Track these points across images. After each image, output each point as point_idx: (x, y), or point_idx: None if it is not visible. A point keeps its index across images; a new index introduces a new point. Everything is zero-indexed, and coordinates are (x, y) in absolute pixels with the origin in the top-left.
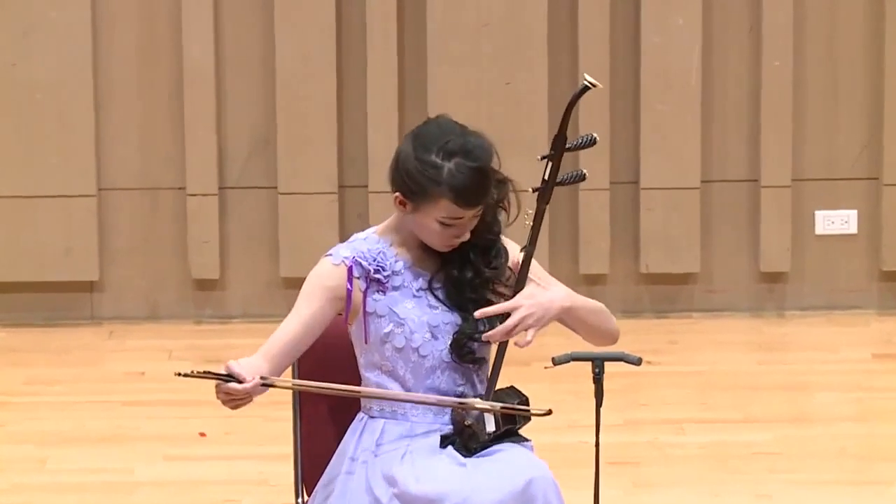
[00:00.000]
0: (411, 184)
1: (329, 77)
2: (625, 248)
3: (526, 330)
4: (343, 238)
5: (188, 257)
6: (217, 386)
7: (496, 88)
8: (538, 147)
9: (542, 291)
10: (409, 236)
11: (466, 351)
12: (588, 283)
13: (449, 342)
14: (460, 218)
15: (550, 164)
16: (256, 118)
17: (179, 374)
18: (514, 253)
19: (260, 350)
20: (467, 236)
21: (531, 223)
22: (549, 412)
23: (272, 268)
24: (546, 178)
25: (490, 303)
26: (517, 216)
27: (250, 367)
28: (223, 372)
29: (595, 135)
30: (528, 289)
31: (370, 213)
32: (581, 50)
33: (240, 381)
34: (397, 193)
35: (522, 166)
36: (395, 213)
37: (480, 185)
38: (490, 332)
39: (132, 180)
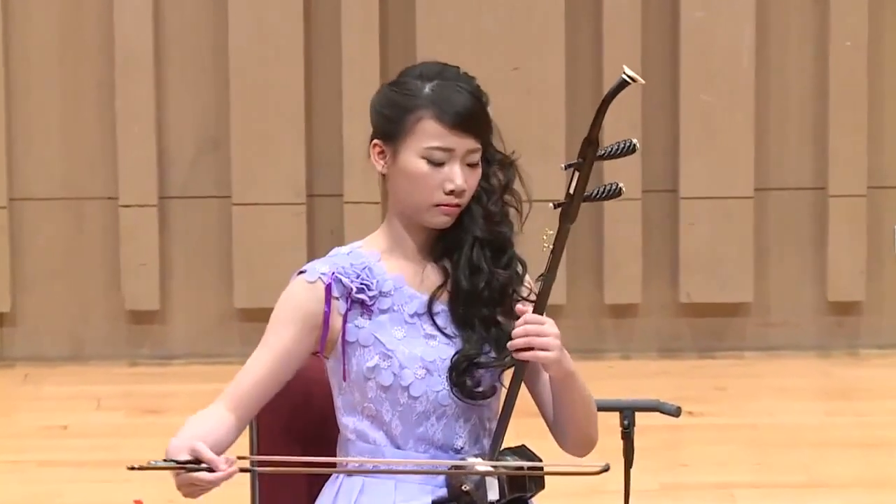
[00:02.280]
0: (387, 113)
1: (295, 61)
2: (661, 272)
3: (541, 350)
4: (312, 258)
5: (121, 283)
6: (177, 476)
7: (501, 75)
8: (552, 148)
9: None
10: (402, 245)
11: (470, 381)
12: (615, 315)
13: (447, 378)
14: (451, 150)
15: (578, 174)
16: (205, 112)
17: (133, 469)
18: (531, 284)
19: (221, 397)
20: (464, 187)
21: (551, 246)
22: (606, 468)
23: (224, 297)
24: (572, 191)
25: (501, 327)
26: (527, 215)
27: (217, 439)
28: (189, 458)
29: (635, 141)
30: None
31: (346, 227)
32: (606, 27)
33: (211, 469)
34: (374, 140)
35: (533, 171)
36: (385, 220)
37: (469, 106)
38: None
39: (52, 188)
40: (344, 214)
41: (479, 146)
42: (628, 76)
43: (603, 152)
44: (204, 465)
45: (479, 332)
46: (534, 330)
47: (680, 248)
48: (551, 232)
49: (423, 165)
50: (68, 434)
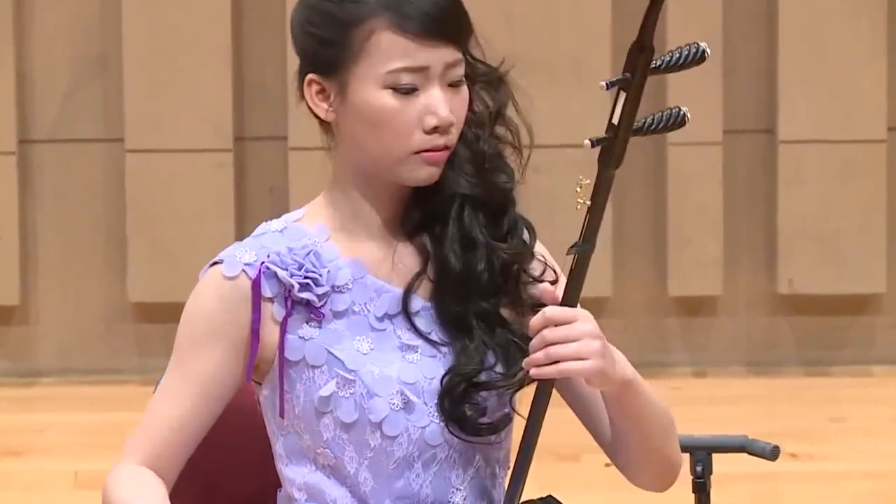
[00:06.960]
0: (321, 33)
1: None
2: (751, 252)
3: (573, 360)
4: (243, 231)
5: None
6: None
7: None
8: (591, 66)
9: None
10: (360, 219)
11: (471, 411)
12: (686, 313)
13: (435, 408)
14: (424, 69)
15: (624, 96)
16: (86, 22)
17: None
18: (544, 256)
19: (129, 455)
20: (451, 119)
21: (587, 201)
22: None
23: (115, 287)
24: (616, 120)
25: (509, 327)
26: (528, 156)
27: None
28: None
29: (704, 45)
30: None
31: (291, 184)
32: None
33: None
34: (309, 74)
35: (567, 107)
36: (332, 185)
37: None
38: (529, 358)
39: None
40: (288, 165)
41: (460, 56)
42: None
43: (659, 63)
44: None
45: (480, 336)
46: (557, 335)
47: (778, 215)
48: (588, 182)
49: (387, 98)
50: None
